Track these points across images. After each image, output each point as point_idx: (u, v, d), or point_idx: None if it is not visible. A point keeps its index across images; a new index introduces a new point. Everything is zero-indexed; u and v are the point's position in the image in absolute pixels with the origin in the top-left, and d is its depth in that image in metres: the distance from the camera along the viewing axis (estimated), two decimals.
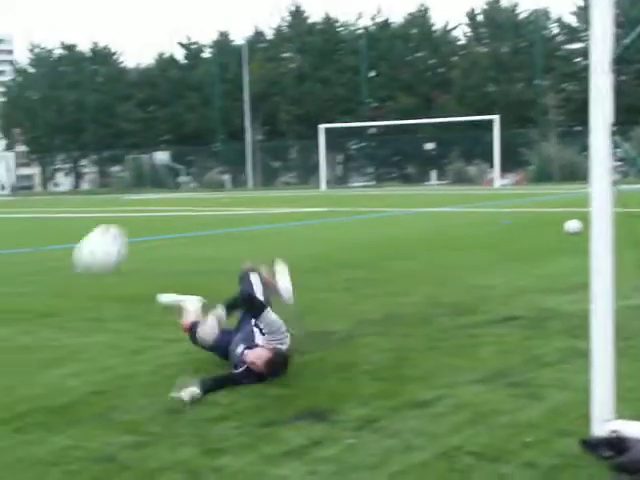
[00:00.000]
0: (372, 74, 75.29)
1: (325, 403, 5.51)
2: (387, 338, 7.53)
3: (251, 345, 6.27)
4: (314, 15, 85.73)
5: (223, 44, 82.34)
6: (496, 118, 55.90)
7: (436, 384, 5.93)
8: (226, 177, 74.68)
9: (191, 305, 7.13)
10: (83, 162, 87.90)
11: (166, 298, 7.51)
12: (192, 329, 6.73)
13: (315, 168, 65.93)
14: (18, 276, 12.98)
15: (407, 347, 7.15)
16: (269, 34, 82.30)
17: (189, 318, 6.94)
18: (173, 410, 5.48)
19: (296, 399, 5.62)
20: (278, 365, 6.15)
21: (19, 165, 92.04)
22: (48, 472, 4.44)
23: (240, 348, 6.26)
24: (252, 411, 5.42)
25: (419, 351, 7.00)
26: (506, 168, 59.43)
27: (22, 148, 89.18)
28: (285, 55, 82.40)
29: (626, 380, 5.36)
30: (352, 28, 79.28)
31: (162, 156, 74.99)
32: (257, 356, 6.11)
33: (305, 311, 9.02)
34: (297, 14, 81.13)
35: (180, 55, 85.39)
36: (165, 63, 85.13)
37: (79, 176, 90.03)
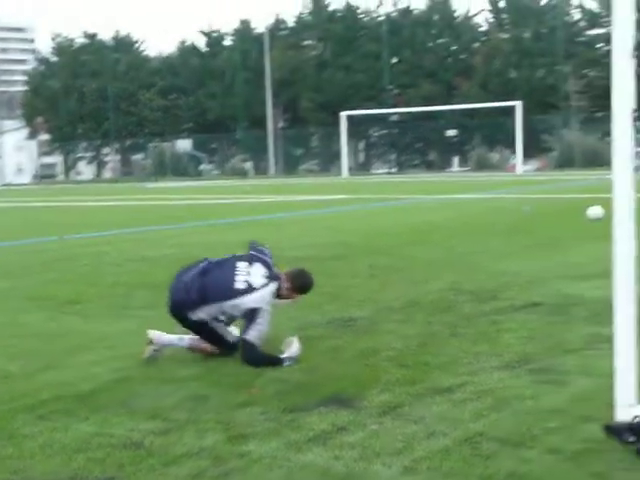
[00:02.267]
0: (394, 61, 75.08)
1: (349, 389, 5.53)
2: (410, 325, 7.55)
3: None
4: (335, 2, 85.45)
5: (244, 32, 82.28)
6: (518, 104, 55.62)
7: (459, 371, 5.94)
8: (248, 165, 74.73)
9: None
10: (105, 150, 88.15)
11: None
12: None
13: (337, 155, 65.87)
14: (43, 264, 13.06)
15: (430, 334, 7.17)
16: (290, 22, 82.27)
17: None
18: (198, 396, 5.51)
19: (320, 385, 5.65)
20: (302, 275, 6.75)
21: (42, 154, 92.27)
22: (73, 459, 4.48)
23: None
24: (277, 397, 5.44)
25: (442, 338, 7.01)
26: (528, 154, 59.19)
27: (45, 137, 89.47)
28: (306, 43, 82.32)
29: None
30: (373, 15, 79.14)
31: (184, 144, 75.10)
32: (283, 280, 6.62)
33: (329, 298, 9.05)
34: (318, 1, 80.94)
35: (202, 43, 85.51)
36: (187, 51, 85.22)
37: (101, 164, 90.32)
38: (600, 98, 57.86)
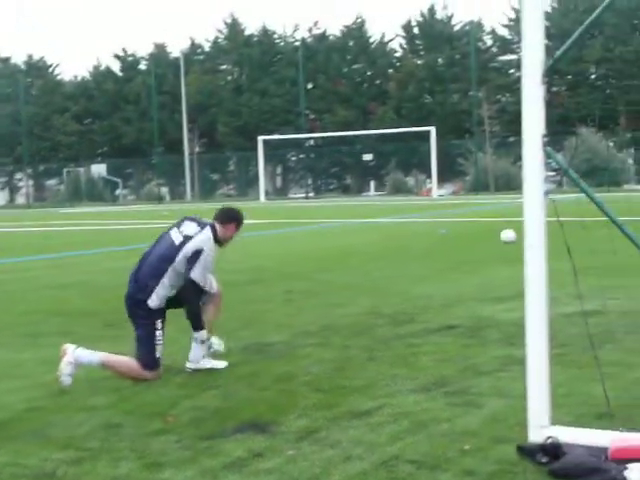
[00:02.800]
0: (310, 86, 75.40)
1: (265, 415, 5.51)
2: (326, 349, 7.56)
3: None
4: (251, 27, 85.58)
5: (159, 56, 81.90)
6: (432, 129, 56.28)
7: (375, 394, 5.96)
8: (164, 189, 74.23)
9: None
10: (18, 176, 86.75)
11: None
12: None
13: (254, 180, 65.91)
14: None
15: (346, 358, 7.18)
16: (206, 46, 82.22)
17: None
18: (112, 425, 5.44)
19: (236, 411, 5.62)
20: (225, 209, 7.25)
21: None
22: None
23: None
24: (193, 424, 5.40)
25: (358, 361, 7.03)
26: (443, 178, 59.95)
27: None
28: (222, 67, 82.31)
29: (561, 387, 5.44)
30: (289, 40, 79.48)
31: (99, 169, 74.25)
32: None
33: (245, 323, 9.01)
34: (234, 26, 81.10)
35: (116, 67, 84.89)
36: (101, 75, 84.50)
37: (14, 190, 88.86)
38: (512, 123, 58.87)
